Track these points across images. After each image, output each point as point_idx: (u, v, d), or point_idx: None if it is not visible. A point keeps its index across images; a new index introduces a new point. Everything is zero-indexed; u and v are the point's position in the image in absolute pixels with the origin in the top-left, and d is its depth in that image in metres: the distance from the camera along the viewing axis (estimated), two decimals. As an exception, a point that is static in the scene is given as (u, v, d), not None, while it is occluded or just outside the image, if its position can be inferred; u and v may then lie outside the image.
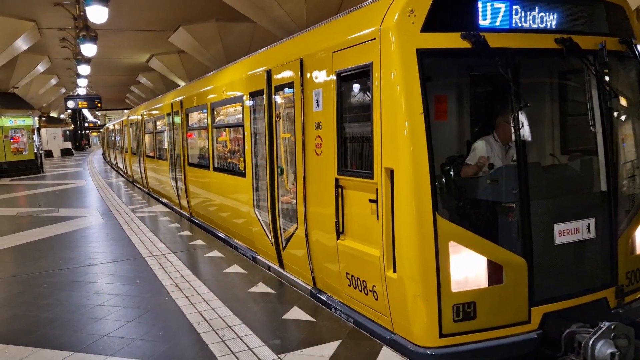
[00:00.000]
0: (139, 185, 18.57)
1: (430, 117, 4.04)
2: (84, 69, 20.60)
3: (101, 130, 58.41)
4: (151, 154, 16.25)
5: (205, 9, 15.42)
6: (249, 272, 6.65)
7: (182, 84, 21.19)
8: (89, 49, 15.12)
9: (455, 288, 4.05)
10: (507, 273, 4.16)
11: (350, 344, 4.40)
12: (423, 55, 4.03)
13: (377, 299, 4.52)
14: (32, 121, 27.32)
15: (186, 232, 9.45)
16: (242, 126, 7.70)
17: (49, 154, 42.41)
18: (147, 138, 17.27)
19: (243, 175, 7.73)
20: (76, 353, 4.44)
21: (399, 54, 4.06)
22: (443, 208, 4.19)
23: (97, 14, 11.95)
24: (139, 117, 18.51)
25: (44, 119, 42.31)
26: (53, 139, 46.16)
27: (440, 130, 4.98)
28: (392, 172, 4.17)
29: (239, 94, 7.86)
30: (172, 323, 5.07)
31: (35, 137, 27.79)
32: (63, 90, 37.19)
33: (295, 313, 5.13)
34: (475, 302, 4.09)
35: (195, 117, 11.24)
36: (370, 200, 4.44)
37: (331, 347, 4.33)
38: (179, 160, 11.98)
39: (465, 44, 4.08)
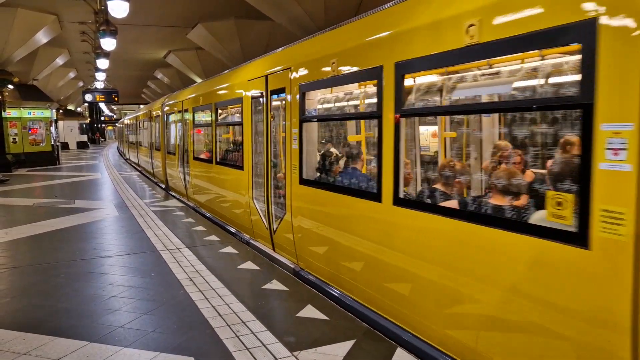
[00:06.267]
0: (155, 180, 18.72)
1: None
2: (102, 63, 20.83)
3: (116, 124, 58.97)
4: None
5: (225, 6, 15.52)
6: (263, 269, 6.66)
7: (198, 80, 21.34)
8: (108, 43, 15.30)
9: None
10: None
11: (365, 343, 4.38)
12: None
13: None
14: (50, 113, 27.67)
15: (200, 227, 9.50)
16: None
17: (65, 146, 42.90)
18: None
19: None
20: (92, 343, 4.47)
21: None
22: None
23: (119, 9, 12.13)
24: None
25: (61, 111, 42.81)
26: (70, 131, 46.69)
27: None
28: None
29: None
30: (187, 317, 5.08)
31: (52, 129, 28.13)
32: (81, 83, 37.64)
33: (309, 311, 5.12)
34: None
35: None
36: None
37: (345, 346, 4.31)
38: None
39: None
